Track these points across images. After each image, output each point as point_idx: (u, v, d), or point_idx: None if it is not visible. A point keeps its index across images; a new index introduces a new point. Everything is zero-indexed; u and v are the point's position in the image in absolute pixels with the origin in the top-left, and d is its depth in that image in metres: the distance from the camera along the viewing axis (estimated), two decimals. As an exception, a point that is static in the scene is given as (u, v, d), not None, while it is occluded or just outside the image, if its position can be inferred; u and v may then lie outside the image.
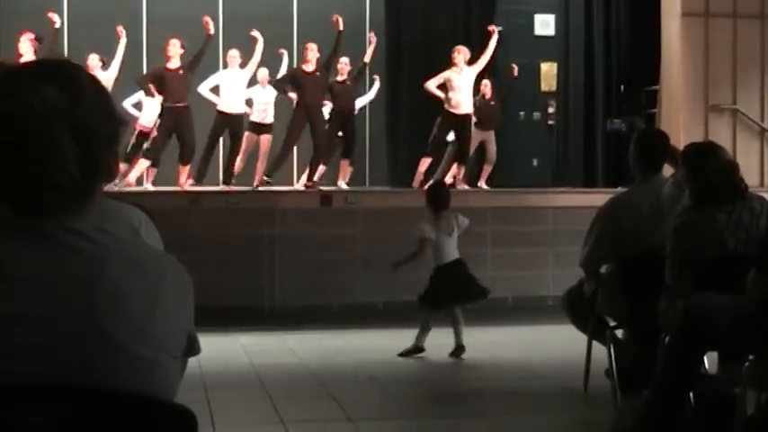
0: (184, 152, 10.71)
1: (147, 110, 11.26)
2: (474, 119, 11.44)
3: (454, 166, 11.35)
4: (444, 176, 11.17)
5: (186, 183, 10.90)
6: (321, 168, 11.50)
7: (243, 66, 11.09)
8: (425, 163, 11.16)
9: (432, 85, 11.07)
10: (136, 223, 2.01)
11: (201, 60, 10.69)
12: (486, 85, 11.96)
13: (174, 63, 10.59)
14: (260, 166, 11.51)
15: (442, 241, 6.78)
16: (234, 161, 11.22)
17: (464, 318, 6.85)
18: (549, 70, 14.46)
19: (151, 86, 10.67)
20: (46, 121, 1.39)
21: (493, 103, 12.03)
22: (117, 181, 11.08)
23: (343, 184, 11.53)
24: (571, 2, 14.02)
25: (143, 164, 10.79)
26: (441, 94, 11.02)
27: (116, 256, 1.43)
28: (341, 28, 11.01)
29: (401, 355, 6.73)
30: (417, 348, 6.77)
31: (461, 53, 11.10)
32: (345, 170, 11.70)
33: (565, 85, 14.14)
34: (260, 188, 10.77)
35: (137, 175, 10.81)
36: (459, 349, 6.73)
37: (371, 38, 11.91)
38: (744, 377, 3.72)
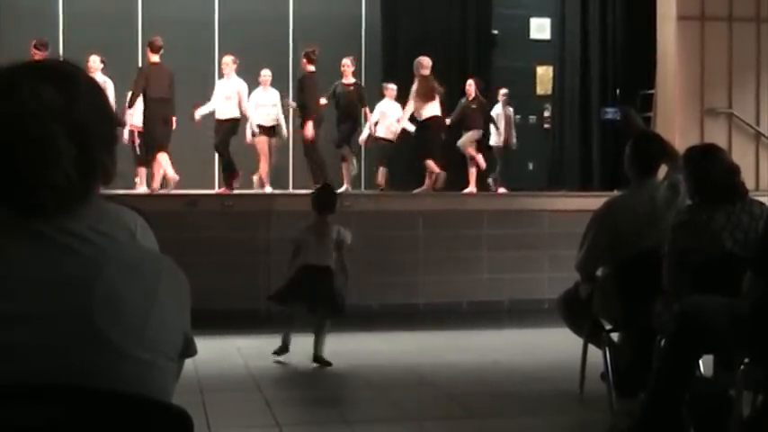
0: (151, 145, 10.61)
1: (137, 110, 11.20)
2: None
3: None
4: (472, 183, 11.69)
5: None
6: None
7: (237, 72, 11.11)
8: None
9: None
10: (132, 226, 2.00)
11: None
12: (471, 85, 11.97)
13: (155, 59, 10.55)
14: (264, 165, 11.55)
15: (313, 244, 6.62)
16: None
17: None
18: (544, 74, 14.51)
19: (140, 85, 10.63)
20: (43, 121, 1.39)
21: (482, 100, 12.07)
22: (156, 185, 10.98)
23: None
24: (567, 6, 14.05)
25: (164, 157, 10.65)
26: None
27: (113, 257, 1.43)
28: None
29: (275, 353, 6.57)
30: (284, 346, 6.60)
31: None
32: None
33: (560, 88, 14.17)
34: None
35: (169, 167, 10.64)
36: (317, 359, 6.45)
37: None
38: (739, 379, 3.72)
